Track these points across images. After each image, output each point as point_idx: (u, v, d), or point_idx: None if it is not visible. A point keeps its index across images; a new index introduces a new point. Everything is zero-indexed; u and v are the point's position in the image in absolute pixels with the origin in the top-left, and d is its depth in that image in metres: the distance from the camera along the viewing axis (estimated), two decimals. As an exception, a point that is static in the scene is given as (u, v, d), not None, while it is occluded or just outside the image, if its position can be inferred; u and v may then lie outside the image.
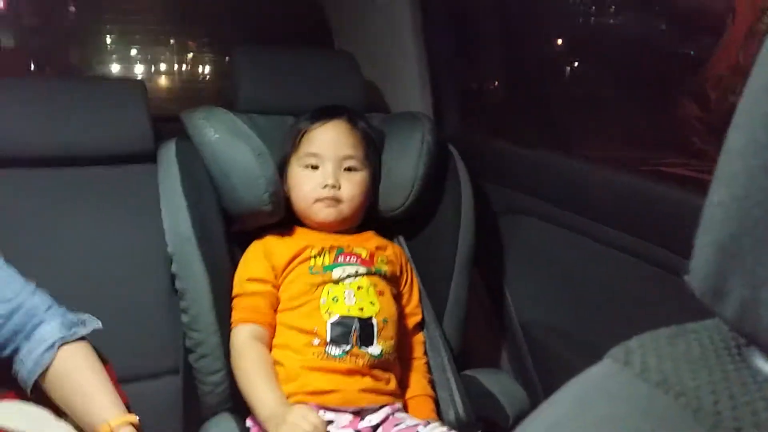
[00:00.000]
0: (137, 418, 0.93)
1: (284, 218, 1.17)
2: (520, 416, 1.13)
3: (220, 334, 1.08)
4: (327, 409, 1.03)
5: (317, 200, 1.13)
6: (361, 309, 1.08)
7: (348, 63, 1.38)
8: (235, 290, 1.12)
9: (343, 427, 1.03)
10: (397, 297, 1.17)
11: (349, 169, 1.14)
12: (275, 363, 1.07)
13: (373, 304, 1.09)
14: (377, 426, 1.05)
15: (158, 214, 1.13)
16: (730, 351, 0.33)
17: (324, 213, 1.13)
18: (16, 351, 0.95)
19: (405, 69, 1.51)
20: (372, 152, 1.19)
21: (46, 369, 0.94)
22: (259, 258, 1.12)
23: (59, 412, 0.95)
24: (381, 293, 1.11)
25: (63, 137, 1.21)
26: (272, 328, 1.09)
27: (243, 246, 1.18)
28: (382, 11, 1.52)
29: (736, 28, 1.87)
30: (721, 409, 0.29)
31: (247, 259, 1.14)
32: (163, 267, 1.15)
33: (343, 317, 1.06)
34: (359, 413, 1.05)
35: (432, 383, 1.19)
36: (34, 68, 3.14)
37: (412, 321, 1.21)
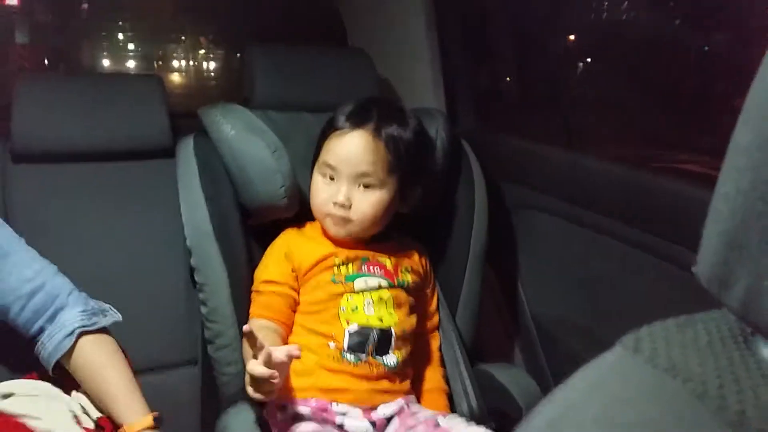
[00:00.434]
0: (152, 417, 0.95)
1: (309, 214, 1.16)
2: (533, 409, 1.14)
3: (238, 325, 1.09)
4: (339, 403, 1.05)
5: (327, 215, 1.09)
6: (381, 319, 1.08)
7: (362, 59, 1.39)
8: (254, 286, 1.12)
9: (357, 417, 1.05)
10: (417, 305, 1.17)
11: (365, 185, 1.08)
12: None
13: (392, 315, 1.09)
14: (391, 417, 1.07)
15: (177, 208, 1.16)
16: (736, 339, 0.35)
17: (333, 229, 1.10)
18: (41, 331, 0.98)
19: (418, 65, 1.52)
20: (401, 161, 1.09)
21: (68, 355, 0.97)
22: (280, 260, 1.11)
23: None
24: (400, 306, 1.11)
25: (84, 133, 1.24)
26: (287, 327, 1.09)
27: (260, 239, 1.20)
28: (395, 8, 1.54)
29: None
30: (726, 393, 0.30)
31: (269, 259, 1.14)
32: (182, 260, 1.18)
33: (362, 326, 1.06)
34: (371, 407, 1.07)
35: (445, 377, 1.21)
36: (48, 64, 3.18)
37: (429, 323, 1.22)
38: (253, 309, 1.11)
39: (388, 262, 1.13)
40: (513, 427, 0.36)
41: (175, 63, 3.63)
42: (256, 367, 0.87)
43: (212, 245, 1.11)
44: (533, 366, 1.37)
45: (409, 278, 1.14)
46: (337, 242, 1.12)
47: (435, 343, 1.23)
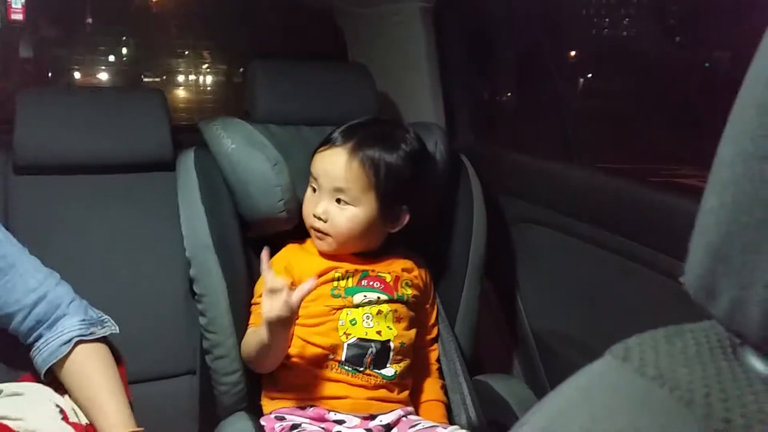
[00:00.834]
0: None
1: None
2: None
3: (237, 336, 1.10)
4: (337, 412, 1.06)
5: (311, 227, 1.12)
6: (379, 332, 1.09)
7: (361, 74, 1.41)
8: (254, 299, 1.13)
9: (354, 426, 1.05)
10: (416, 319, 1.17)
11: (340, 201, 1.09)
12: (288, 367, 1.09)
13: (391, 329, 1.10)
14: (388, 426, 1.07)
15: (177, 220, 1.17)
16: (724, 350, 0.35)
17: (316, 243, 1.13)
18: (39, 338, 0.99)
19: (418, 81, 1.54)
20: (379, 182, 1.08)
21: (61, 362, 0.98)
22: (280, 274, 1.09)
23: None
24: (399, 320, 1.12)
25: (85, 146, 1.25)
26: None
27: (259, 251, 1.19)
28: (395, 24, 1.55)
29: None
30: (713, 401, 0.31)
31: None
32: (181, 271, 1.18)
33: (360, 339, 1.07)
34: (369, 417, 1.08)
35: (444, 389, 1.21)
36: (51, 78, 3.20)
37: (428, 336, 1.23)
38: (252, 319, 1.11)
39: (388, 277, 1.14)
40: None
41: (178, 78, 3.66)
42: (269, 275, 0.97)
43: (211, 257, 1.12)
44: (532, 377, 1.37)
45: (409, 292, 1.15)
46: (336, 257, 1.13)
47: (434, 355, 1.23)
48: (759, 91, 0.31)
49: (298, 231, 1.19)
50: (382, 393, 1.08)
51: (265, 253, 1.00)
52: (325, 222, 1.09)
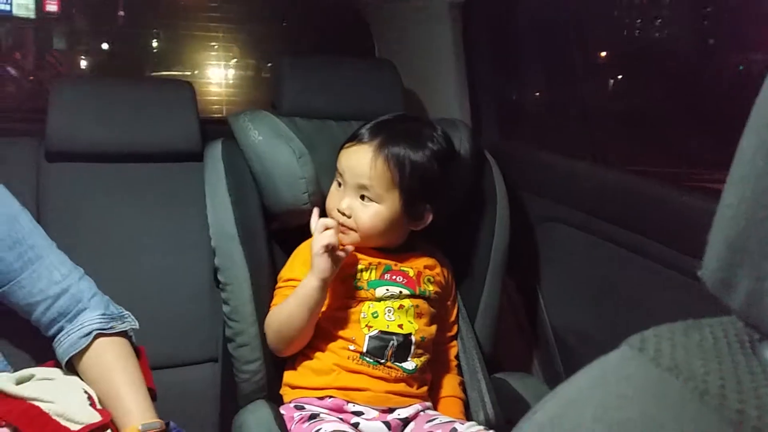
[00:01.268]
0: (137, 427, 0.95)
1: None
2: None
3: (259, 325, 1.12)
4: (356, 403, 1.07)
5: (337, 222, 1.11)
6: (401, 326, 1.10)
7: (388, 71, 1.41)
8: (278, 284, 1.15)
9: (373, 418, 1.06)
10: (437, 315, 1.18)
11: (364, 198, 1.10)
12: (309, 356, 1.11)
13: (412, 323, 1.11)
14: (406, 420, 1.08)
15: (203, 209, 1.19)
16: (742, 345, 0.35)
17: (340, 236, 1.10)
18: (60, 331, 1.02)
19: (444, 77, 1.54)
20: (404, 180, 1.08)
21: (80, 354, 1.00)
22: (306, 262, 1.12)
23: None
24: (421, 315, 1.12)
25: (115, 135, 1.28)
26: None
27: (282, 243, 1.22)
28: (423, 20, 1.56)
29: None
30: (727, 393, 0.31)
31: (295, 260, 1.16)
32: (206, 260, 1.20)
33: (382, 332, 1.08)
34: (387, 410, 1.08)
35: (462, 385, 1.21)
36: (84, 70, 3.27)
37: (448, 333, 1.23)
38: (275, 301, 1.13)
39: (411, 272, 1.14)
40: None
41: (207, 71, 3.70)
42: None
43: (236, 247, 1.13)
44: (551, 376, 1.37)
45: (431, 288, 1.15)
46: (360, 250, 1.14)
47: (453, 351, 1.23)
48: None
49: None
50: (402, 387, 1.09)
51: (316, 210, 1.09)
52: (349, 217, 1.10)
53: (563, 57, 1.71)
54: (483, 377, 1.21)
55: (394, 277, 1.13)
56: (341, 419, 1.05)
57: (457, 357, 1.24)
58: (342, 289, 1.11)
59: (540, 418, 0.35)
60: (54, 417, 0.91)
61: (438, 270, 1.20)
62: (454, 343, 1.24)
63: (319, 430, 1.00)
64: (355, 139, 1.12)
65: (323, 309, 1.10)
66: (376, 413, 1.06)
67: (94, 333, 1.00)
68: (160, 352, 1.15)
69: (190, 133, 1.31)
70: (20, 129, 1.42)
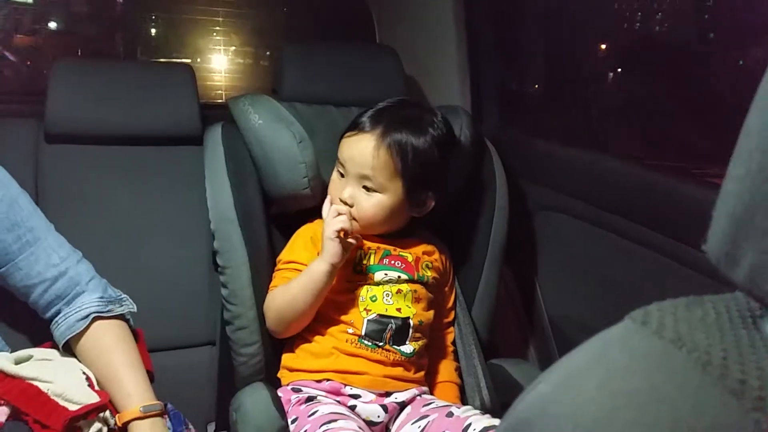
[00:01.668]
0: (139, 408, 0.96)
1: None
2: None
3: (257, 308, 1.12)
4: (353, 386, 1.07)
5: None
6: (399, 309, 1.10)
7: (389, 57, 1.41)
8: (278, 266, 1.15)
9: (370, 401, 1.07)
10: (434, 301, 1.18)
11: (367, 188, 1.09)
12: (307, 339, 1.11)
13: (410, 308, 1.11)
14: (403, 404, 1.09)
15: (202, 193, 1.18)
16: (744, 319, 0.35)
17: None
18: (57, 313, 1.02)
19: (446, 64, 1.54)
20: (407, 168, 1.08)
21: (78, 337, 1.00)
22: (307, 244, 1.14)
23: None
24: (418, 300, 1.13)
25: (115, 117, 1.28)
26: None
27: (281, 228, 1.22)
28: (425, 6, 1.55)
29: None
30: (729, 364, 0.31)
31: (295, 243, 1.16)
32: (204, 243, 1.21)
33: (380, 315, 1.09)
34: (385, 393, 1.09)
35: (458, 371, 1.22)
36: (81, 54, 3.24)
37: (445, 319, 1.24)
38: (274, 283, 1.13)
39: (409, 257, 1.15)
40: None
41: (206, 58, 3.68)
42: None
43: (235, 230, 1.13)
44: (547, 363, 1.36)
45: (429, 274, 1.16)
46: (360, 234, 1.14)
47: (450, 337, 1.24)
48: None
49: (320, 209, 1.20)
50: (399, 371, 1.09)
51: (329, 197, 1.11)
52: (351, 207, 1.10)
53: (565, 45, 1.71)
54: (479, 363, 1.22)
55: (392, 262, 1.13)
56: (338, 401, 1.05)
57: (453, 343, 1.24)
58: (341, 273, 1.10)
59: (543, 388, 0.35)
60: (52, 397, 0.91)
61: (436, 256, 1.20)
62: (451, 329, 1.25)
63: (315, 411, 1.00)
64: (356, 128, 1.11)
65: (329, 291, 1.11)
66: (373, 396, 1.07)
67: (92, 316, 1.00)
68: (159, 335, 1.16)
69: (190, 116, 1.31)
70: (17, 111, 1.42)
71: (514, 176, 1.38)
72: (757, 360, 0.31)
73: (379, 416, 1.06)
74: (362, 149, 1.08)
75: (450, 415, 1.02)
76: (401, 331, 1.10)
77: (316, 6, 2.15)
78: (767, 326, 0.34)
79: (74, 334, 1.00)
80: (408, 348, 1.10)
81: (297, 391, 1.07)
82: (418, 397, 1.10)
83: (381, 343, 1.09)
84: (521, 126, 1.72)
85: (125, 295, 1.07)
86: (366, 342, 1.08)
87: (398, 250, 1.15)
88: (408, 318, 1.10)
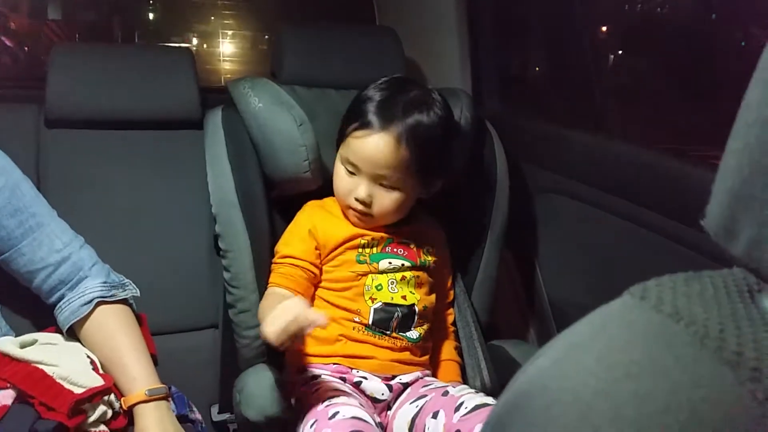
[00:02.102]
0: (145, 392, 0.97)
1: (331, 189, 1.14)
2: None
3: (259, 291, 1.12)
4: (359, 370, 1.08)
5: (348, 206, 1.10)
6: (404, 297, 1.11)
7: (389, 38, 1.40)
8: (275, 259, 1.13)
9: (375, 381, 1.07)
10: (435, 284, 1.19)
11: (385, 186, 1.08)
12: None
13: (413, 294, 1.12)
14: (406, 384, 1.10)
15: (203, 177, 1.19)
16: (741, 294, 0.36)
17: (353, 220, 1.12)
18: (61, 298, 1.02)
19: (446, 46, 1.53)
20: (422, 159, 1.06)
21: (82, 321, 1.01)
22: (304, 237, 1.11)
23: None
24: (421, 285, 1.13)
25: (115, 101, 1.28)
26: (306, 298, 1.08)
27: (282, 211, 1.22)
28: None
29: None
30: (726, 336, 0.31)
31: (292, 235, 1.14)
32: (206, 227, 1.21)
33: (386, 304, 1.09)
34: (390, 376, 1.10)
35: (459, 350, 1.23)
36: (79, 40, 3.23)
37: (446, 300, 1.24)
38: (272, 278, 1.12)
39: (411, 244, 1.15)
40: None
41: (205, 41, 3.66)
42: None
43: (237, 214, 1.13)
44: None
45: (430, 259, 1.16)
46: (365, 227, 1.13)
47: (450, 318, 1.25)
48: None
49: (320, 192, 1.20)
50: (406, 355, 1.10)
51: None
52: (369, 205, 1.08)
53: (566, 26, 1.70)
54: (480, 344, 1.23)
55: (395, 249, 1.13)
56: (344, 378, 1.06)
57: (454, 323, 1.25)
58: (345, 264, 1.11)
59: (543, 362, 0.35)
60: (57, 380, 0.92)
61: (436, 240, 1.21)
62: (451, 310, 1.25)
63: (318, 389, 1.01)
64: (365, 126, 1.06)
65: (328, 284, 1.11)
66: (379, 379, 1.08)
67: (96, 301, 1.01)
68: (162, 319, 1.16)
69: (190, 100, 1.30)
70: (16, 96, 1.41)
71: (515, 158, 1.38)
72: (753, 332, 0.32)
73: (383, 394, 1.07)
74: (380, 150, 1.05)
75: (445, 394, 1.03)
76: (407, 318, 1.10)
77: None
78: (764, 300, 0.35)
79: (78, 318, 1.01)
80: (414, 333, 1.11)
81: (301, 371, 1.08)
82: (420, 379, 1.11)
83: (388, 332, 1.09)
84: (522, 108, 1.72)
85: (128, 280, 1.08)
86: (373, 329, 1.09)
87: (400, 237, 1.15)
88: (413, 305, 1.11)
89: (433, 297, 1.16)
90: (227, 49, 3.67)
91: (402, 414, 1.05)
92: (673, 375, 0.31)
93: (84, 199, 1.21)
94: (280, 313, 0.87)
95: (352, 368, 1.07)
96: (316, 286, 1.12)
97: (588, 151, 1.31)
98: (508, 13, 1.63)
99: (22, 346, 0.97)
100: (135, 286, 1.08)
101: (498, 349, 1.25)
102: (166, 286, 1.20)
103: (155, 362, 1.04)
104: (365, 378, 1.07)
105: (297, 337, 0.88)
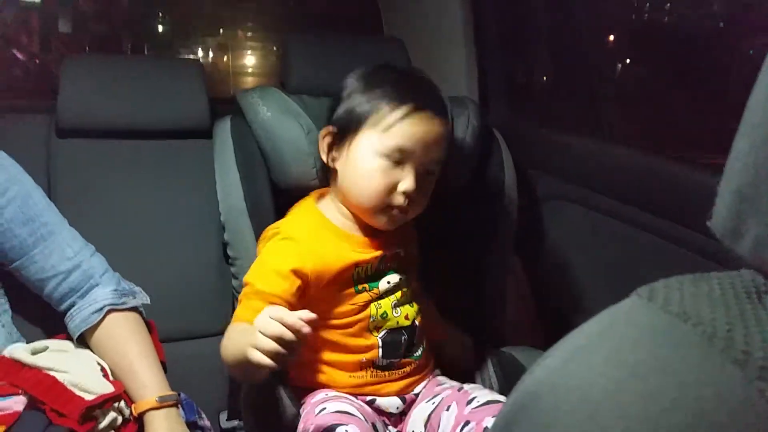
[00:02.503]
0: (156, 399, 0.98)
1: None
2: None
3: (268, 300, 1.12)
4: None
5: (387, 206, 0.97)
6: (407, 317, 1.05)
7: (396, 48, 1.41)
8: (246, 289, 0.96)
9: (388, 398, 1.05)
10: (418, 285, 1.14)
11: (428, 172, 0.99)
12: (320, 370, 1.03)
13: (413, 307, 1.07)
14: (419, 393, 1.07)
15: (212, 186, 1.20)
16: (749, 295, 0.36)
17: (383, 221, 1.00)
18: (72, 306, 1.03)
19: (453, 55, 1.54)
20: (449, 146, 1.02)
21: (93, 329, 1.02)
22: (285, 274, 0.94)
23: None
24: (415, 292, 1.09)
25: (126, 111, 1.29)
26: None
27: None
28: (432, -2, 1.55)
29: None
30: (734, 336, 0.31)
31: (268, 267, 0.96)
32: (215, 235, 1.22)
33: (392, 330, 1.03)
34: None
35: (460, 346, 1.21)
36: (89, 52, 3.25)
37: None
38: (239, 313, 0.95)
39: (401, 251, 1.08)
40: None
41: (213, 54, 3.69)
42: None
43: (245, 221, 1.14)
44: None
45: (411, 257, 1.12)
46: (353, 240, 1.03)
47: (431, 303, 1.19)
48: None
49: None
50: (416, 372, 1.08)
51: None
52: (413, 199, 0.98)
53: (573, 34, 1.70)
54: (488, 351, 1.22)
55: (389, 264, 1.05)
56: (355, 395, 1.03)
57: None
58: (343, 296, 1.01)
59: (551, 362, 0.35)
60: (68, 386, 0.93)
61: (412, 237, 1.15)
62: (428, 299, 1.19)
63: (324, 409, 0.95)
64: (410, 107, 0.95)
65: (327, 320, 0.99)
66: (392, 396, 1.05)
67: (107, 308, 1.02)
68: (171, 326, 1.17)
69: (199, 110, 1.32)
70: (26, 107, 1.43)
71: (523, 166, 1.38)
72: (761, 332, 0.32)
73: (398, 408, 1.05)
74: (434, 128, 0.96)
75: (460, 389, 1.03)
76: (411, 337, 1.06)
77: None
78: None
79: (89, 326, 1.02)
80: (419, 351, 1.08)
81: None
82: (432, 380, 1.09)
83: (397, 359, 1.04)
84: (529, 116, 1.72)
85: (138, 288, 1.09)
86: (383, 362, 1.03)
87: (391, 248, 1.05)
88: (414, 321, 1.06)
89: (422, 298, 1.11)
90: (237, 61, 3.69)
91: (418, 411, 1.04)
92: (681, 374, 0.31)
93: (94, 207, 1.22)
94: (264, 325, 0.77)
95: (367, 395, 1.03)
96: (319, 327, 0.96)
97: (595, 158, 1.31)
98: (514, 22, 1.64)
99: (34, 352, 0.98)
100: (145, 294, 1.09)
101: (507, 356, 1.24)
102: (175, 294, 1.21)
103: (164, 369, 1.04)
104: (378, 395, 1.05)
105: (294, 349, 0.78)
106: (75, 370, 0.96)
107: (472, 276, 1.30)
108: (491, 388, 1.18)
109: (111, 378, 0.99)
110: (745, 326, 0.32)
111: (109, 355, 1.01)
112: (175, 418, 0.99)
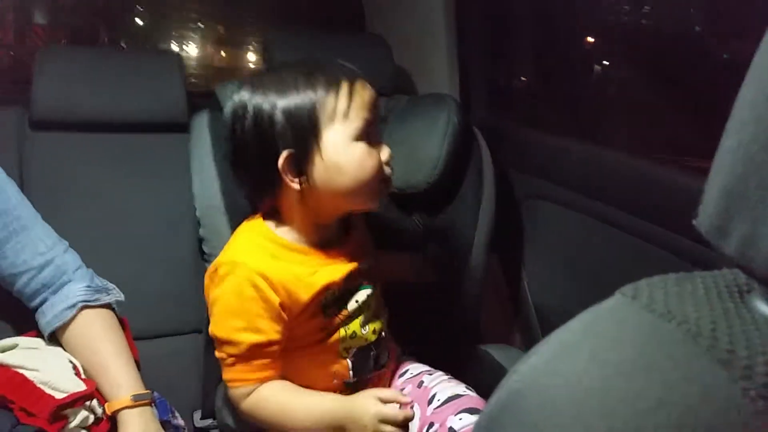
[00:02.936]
0: (131, 397, 0.96)
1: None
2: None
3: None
4: None
5: (380, 182, 0.93)
6: (374, 331, 1.01)
7: (378, 45, 1.41)
8: (242, 348, 0.91)
9: None
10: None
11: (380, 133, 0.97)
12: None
13: (378, 319, 1.02)
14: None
15: (188, 180, 1.18)
16: (732, 294, 0.36)
17: (376, 202, 0.96)
18: (43, 302, 1.01)
19: (435, 53, 1.54)
20: None
21: (65, 326, 1.00)
22: (278, 316, 0.90)
23: None
24: (379, 301, 1.04)
25: (101, 104, 1.27)
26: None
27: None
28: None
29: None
30: (718, 335, 0.31)
31: (252, 313, 0.90)
32: (190, 231, 1.20)
33: (361, 349, 0.99)
34: None
35: (446, 351, 1.20)
36: (65, 45, 3.20)
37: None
38: (237, 374, 0.93)
39: (363, 260, 1.00)
40: None
41: (192, 48, 3.64)
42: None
43: (221, 218, 1.12)
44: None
45: (372, 260, 1.04)
46: (319, 260, 0.96)
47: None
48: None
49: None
50: (384, 380, 1.06)
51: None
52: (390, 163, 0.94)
53: (554, 35, 1.71)
54: (465, 349, 1.22)
55: (357, 280, 0.98)
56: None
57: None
58: (313, 320, 0.95)
59: (535, 360, 0.35)
60: (38, 385, 0.91)
61: (370, 244, 1.09)
62: None
63: None
64: (351, 79, 0.92)
65: (295, 349, 0.95)
66: None
67: (79, 305, 1.00)
68: (145, 323, 1.15)
69: (176, 103, 1.30)
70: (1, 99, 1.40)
71: (502, 164, 1.38)
72: (745, 331, 0.32)
73: None
74: (374, 93, 0.93)
75: (420, 385, 1.02)
76: (378, 349, 1.02)
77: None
78: (755, 300, 0.35)
79: (61, 323, 0.99)
80: (386, 358, 1.04)
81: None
82: (397, 367, 1.09)
83: (367, 374, 1.01)
84: (510, 115, 1.73)
85: (112, 285, 1.07)
86: (353, 381, 1.00)
87: (355, 259, 0.98)
88: (381, 332, 1.02)
89: (385, 307, 1.06)
90: (215, 55, 3.65)
91: None
92: (666, 373, 0.31)
93: (68, 202, 1.20)
94: (392, 415, 0.92)
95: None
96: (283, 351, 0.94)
97: (574, 158, 1.32)
98: (497, 21, 1.64)
99: (3, 350, 0.96)
100: (119, 291, 1.07)
101: (483, 353, 1.25)
102: (149, 290, 1.19)
103: (138, 367, 1.02)
104: None
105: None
106: (45, 368, 0.93)
107: (449, 274, 1.30)
108: (467, 384, 1.17)
109: (83, 376, 0.97)
110: (728, 325, 0.32)
111: (81, 352, 0.99)
112: (149, 416, 0.97)
